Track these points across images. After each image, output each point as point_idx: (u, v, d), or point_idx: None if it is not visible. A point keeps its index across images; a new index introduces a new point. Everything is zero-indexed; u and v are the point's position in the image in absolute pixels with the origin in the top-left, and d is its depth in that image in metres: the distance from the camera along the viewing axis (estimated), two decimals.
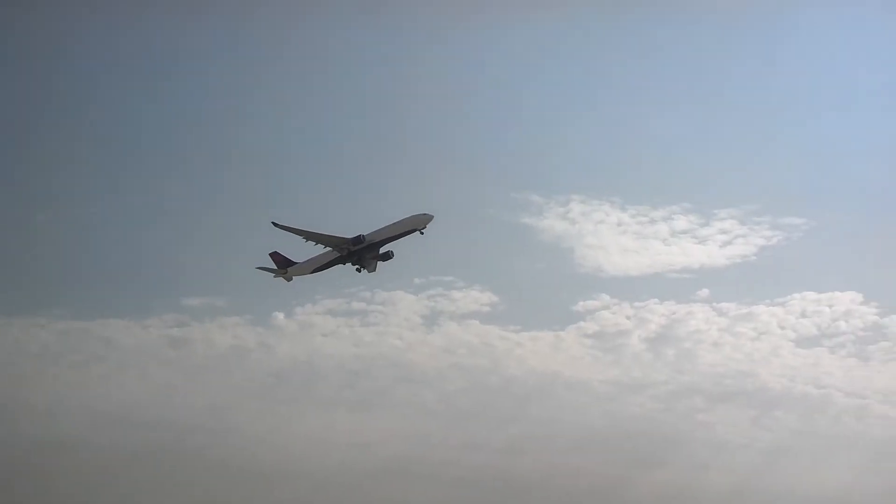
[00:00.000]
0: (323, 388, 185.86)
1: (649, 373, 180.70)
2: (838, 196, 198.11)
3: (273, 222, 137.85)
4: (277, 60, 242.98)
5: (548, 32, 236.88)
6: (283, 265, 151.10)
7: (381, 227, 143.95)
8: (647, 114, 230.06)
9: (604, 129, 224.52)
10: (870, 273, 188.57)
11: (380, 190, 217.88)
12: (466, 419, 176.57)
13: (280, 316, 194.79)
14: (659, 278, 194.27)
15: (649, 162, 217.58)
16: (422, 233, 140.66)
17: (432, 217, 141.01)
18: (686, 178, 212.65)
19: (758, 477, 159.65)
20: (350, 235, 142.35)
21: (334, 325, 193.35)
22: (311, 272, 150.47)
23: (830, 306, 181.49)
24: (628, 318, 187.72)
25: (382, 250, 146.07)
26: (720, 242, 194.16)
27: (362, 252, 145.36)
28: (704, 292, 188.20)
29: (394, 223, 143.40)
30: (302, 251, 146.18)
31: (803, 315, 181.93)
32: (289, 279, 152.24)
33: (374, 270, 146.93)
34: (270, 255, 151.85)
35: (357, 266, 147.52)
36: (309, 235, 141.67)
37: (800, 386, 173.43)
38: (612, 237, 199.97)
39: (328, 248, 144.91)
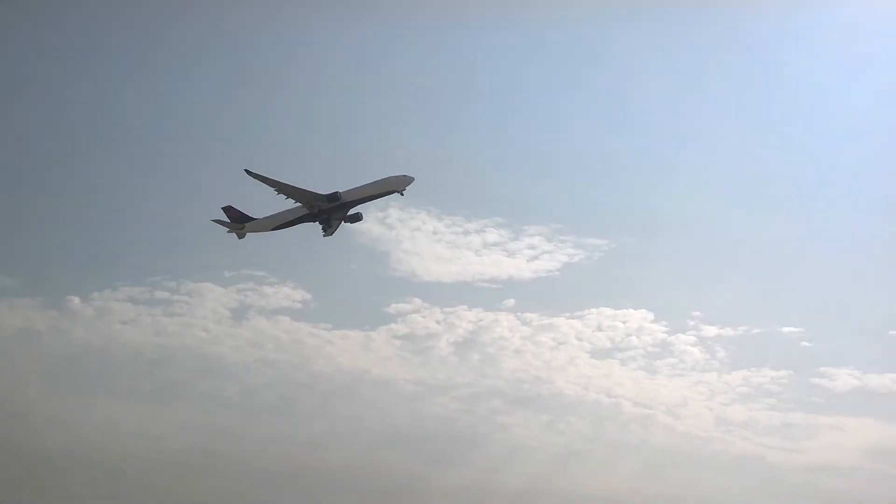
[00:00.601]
0: (118, 376, 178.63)
1: (454, 375, 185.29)
2: (636, 222, 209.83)
3: (246, 170, 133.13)
4: None
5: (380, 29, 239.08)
6: (238, 220, 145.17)
7: (358, 185, 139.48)
8: (467, 132, 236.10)
9: (425, 142, 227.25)
10: (661, 295, 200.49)
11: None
12: (270, 414, 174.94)
13: (76, 300, 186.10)
14: (469, 286, 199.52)
15: (467, 176, 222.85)
16: (402, 194, 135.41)
17: (413, 179, 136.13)
18: (500, 194, 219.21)
19: (549, 478, 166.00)
20: (324, 192, 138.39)
21: (134, 312, 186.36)
22: (272, 229, 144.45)
23: (624, 322, 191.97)
24: (438, 322, 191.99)
25: (353, 211, 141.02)
26: (528, 257, 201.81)
27: (332, 211, 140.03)
28: (510, 302, 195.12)
29: (372, 182, 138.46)
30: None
31: (599, 329, 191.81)
32: (241, 236, 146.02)
33: (333, 234, 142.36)
34: (224, 209, 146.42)
35: (323, 226, 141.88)
36: (282, 187, 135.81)
37: (592, 394, 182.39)
38: (428, 245, 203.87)
39: (296, 205, 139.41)
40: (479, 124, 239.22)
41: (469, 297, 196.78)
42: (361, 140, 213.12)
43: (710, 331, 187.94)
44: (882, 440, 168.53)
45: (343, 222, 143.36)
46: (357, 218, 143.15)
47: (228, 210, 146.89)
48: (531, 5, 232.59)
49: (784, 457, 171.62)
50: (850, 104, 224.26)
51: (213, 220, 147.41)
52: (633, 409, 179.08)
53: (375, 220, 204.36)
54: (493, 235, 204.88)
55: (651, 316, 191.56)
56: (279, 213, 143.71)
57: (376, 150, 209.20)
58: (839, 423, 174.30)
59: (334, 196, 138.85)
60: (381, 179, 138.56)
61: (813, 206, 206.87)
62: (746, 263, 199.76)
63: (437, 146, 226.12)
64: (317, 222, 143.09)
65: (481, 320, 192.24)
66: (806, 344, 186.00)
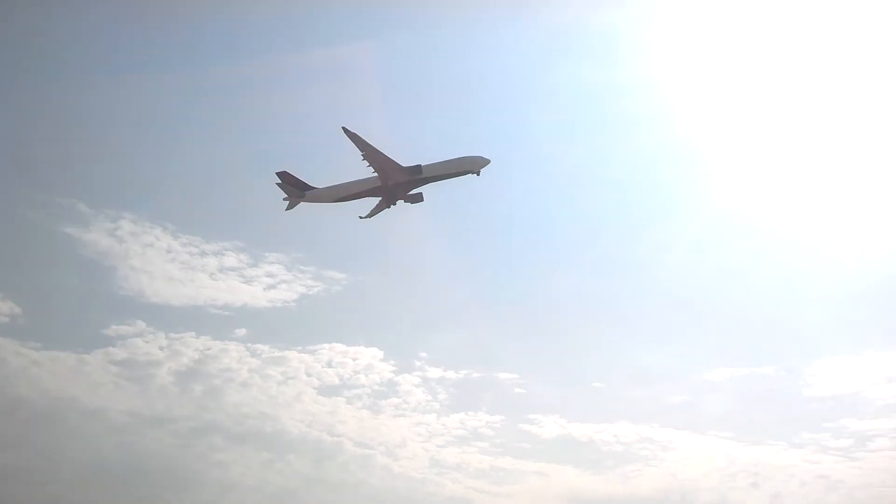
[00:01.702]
0: None
1: (173, 407, 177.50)
2: (377, 258, 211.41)
3: (344, 127, 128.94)
4: None
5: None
6: (295, 187, 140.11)
7: (437, 161, 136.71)
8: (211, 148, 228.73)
9: (164, 154, 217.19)
10: (393, 333, 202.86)
11: None
12: None
13: None
14: (200, 312, 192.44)
15: (208, 194, 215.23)
16: (478, 175, 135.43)
17: (489, 161, 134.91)
18: (241, 216, 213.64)
19: None
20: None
21: None
22: (334, 201, 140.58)
23: (355, 359, 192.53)
24: (161, 348, 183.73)
25: (417, 190, 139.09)
26: (265, 285, 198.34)
27: (403, 187, 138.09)
28: (242, 331, 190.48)
29: (451, 160, 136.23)
30: None
31: (329, 365, 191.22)
32: (293, 205, 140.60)
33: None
34: (279, 174, 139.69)
35: (389, 202, 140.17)
36: (373, 153, 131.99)
37: (316, 432, 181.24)
38: (160, 263, 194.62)
39: (366, 178, 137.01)
40: (226, 141, 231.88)
41: (198, 324, 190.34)
42: None
43: (435, 372, 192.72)
44: (581, 487, 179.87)
45: (404, 202, 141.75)
46: (419, 198, 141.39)
47: (283, 175, 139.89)
48: None
49: (490, 500, 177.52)
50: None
51: (277, 184, 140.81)
52: (355, 448, 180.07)
53: (104, 231, 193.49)
54: (231, 259, 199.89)
55: (381, 354, 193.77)
56: (346, 184, 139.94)
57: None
58: (544, 469, 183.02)
59: (417, 169, 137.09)
60: (460, 158, 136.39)
61: (531, 261, 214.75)
62: (475, 308, 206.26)
63: (177, 159, 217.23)
64: (380, 198, 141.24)
65: (209, 349, 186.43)
66: (519, 390, 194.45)
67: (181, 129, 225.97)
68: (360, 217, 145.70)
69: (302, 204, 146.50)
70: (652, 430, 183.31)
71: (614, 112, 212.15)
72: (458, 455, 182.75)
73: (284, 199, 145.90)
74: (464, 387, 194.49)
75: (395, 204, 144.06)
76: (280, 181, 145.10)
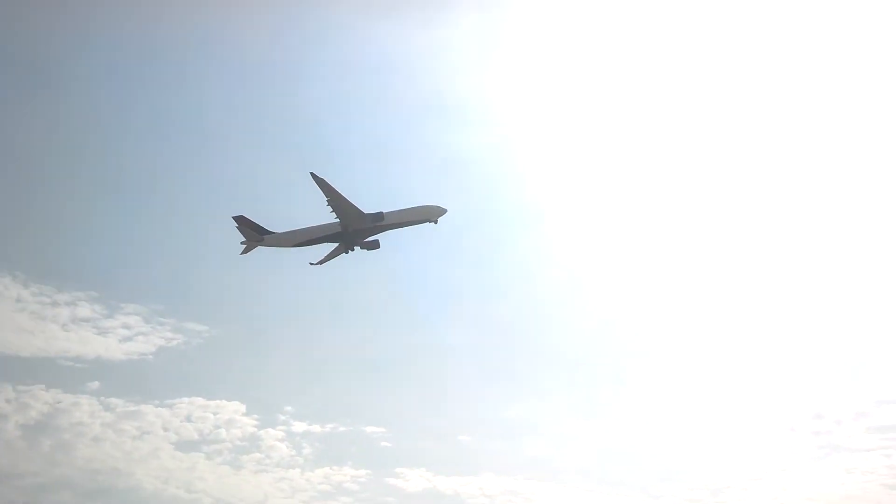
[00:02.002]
0: None
1: (20, 462, 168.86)
2: (240, 309, 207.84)
3: (312, 173, 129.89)
4: None
5: None
6: (256, 231, 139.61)
7: (396, 209, 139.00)
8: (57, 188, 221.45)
9: (15, 195, 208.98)
10: (256, 386, 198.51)
11: None
12: None
13: None
14: (51, 363, 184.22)
15: (62, 242, 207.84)
16: (435, 223, 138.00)
17: (446, 210, 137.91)
18: (98, 266, 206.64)
19: None
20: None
21: None
22: (294, 245, 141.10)
23: (215, 413, 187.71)
24: (9, 401, 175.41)
25: (372, 238, 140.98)
26: (121, 337, 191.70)
27: (362, 233, 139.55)
28: (95, 385, 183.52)
29: (411, 208, 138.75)
30: None
31: (188, 419, 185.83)
32: (249, 249, 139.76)
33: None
34: (236, 218, 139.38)
35: (347, 247, 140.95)
36: (338, 199, 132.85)
37: (172, 489, 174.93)
38: (8, 313, 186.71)
39: (327, 223, 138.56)
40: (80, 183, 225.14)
41: (49, 376, 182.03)
42: None
43: (300, 426, 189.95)
44: None
45: (361, 248, 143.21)
46: (375, 245, 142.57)
47: (240, 219, 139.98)
48: None
49: None
50: None
51: (237, 227, 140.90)
52: None
53: None
54: (85, 310, 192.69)
55: (244, 408, 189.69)
56: (306, 229, 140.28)
57: None
58: None
59: (379, 216, 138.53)
60: (420, 206, 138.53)
61: (398, 315, 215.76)
62: (342, 361, 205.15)
63: (27, 205, 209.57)
64: (338, 244, 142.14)
65: (60, 402, 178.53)
66: (386, 444, 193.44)
67: (31, 172, 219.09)
68: (311, 263, 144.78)
69: (259, 249, 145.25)
70: (516, 483, 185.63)
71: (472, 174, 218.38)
72: None
73: (242, 244, 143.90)
74: (329, 441, 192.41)
75: (352, 249, 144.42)
76: (238, 225, 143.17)
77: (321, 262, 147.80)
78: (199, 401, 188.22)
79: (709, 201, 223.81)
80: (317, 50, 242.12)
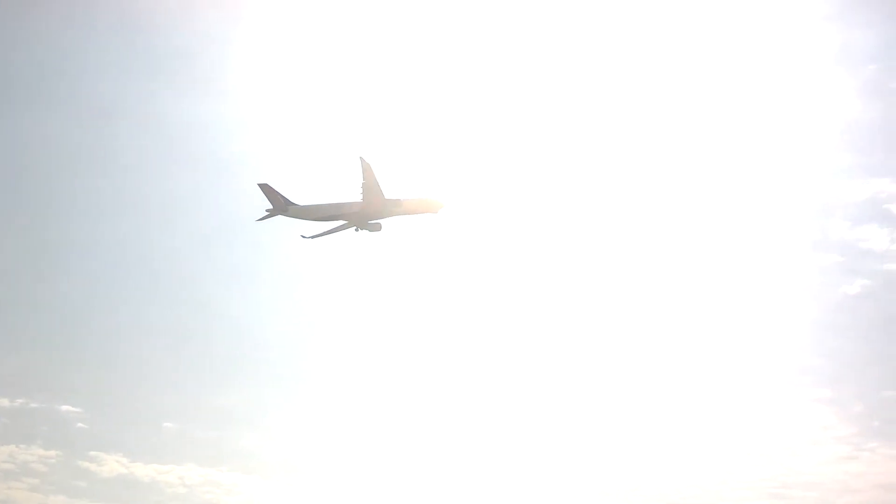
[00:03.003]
0: None
1: None
2: None
3: (361, 157, 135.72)
4: None
5: None
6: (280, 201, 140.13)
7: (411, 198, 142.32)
8: None
9: None
10: None
11: None
12: None
13: None
14: None
15: None
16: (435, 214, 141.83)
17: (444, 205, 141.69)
18: None
19: None
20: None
21: None
22: (314, 219, 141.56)
23: None
24: None
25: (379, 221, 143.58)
26: None
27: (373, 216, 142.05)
28: None
29: (420, 199, 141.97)
30: None
31: None
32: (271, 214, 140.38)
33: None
34: (262, 185, 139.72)
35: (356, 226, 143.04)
36: (374, 184, 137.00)
37: None
38: None
39: (349, 201, 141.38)
40: None
41: None
42: None
43: None
44: None
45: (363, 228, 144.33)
46: (377, 227, 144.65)
47: (266, 188, 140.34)
48: None
49: None
50: None
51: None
52: None
53: None
54: None
55: None
56: (331, 205, 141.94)
57: None
58: None
59: (398, 203, 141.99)
60: (423, 199, 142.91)
61: (109, 288, 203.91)
62: (40, 331, 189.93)
63: None
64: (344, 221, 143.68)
65: None
66: (82, 425, 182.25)
67: None
68: (303, 236, 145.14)
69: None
70: (220, 474, 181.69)
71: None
72: (4, 491, 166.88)
73: (267, 211, 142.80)
74: (18, 417, 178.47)
75: (361, 228, 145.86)
76: (264, 193, 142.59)
77: (315, 237, 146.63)
78: None
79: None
80: None
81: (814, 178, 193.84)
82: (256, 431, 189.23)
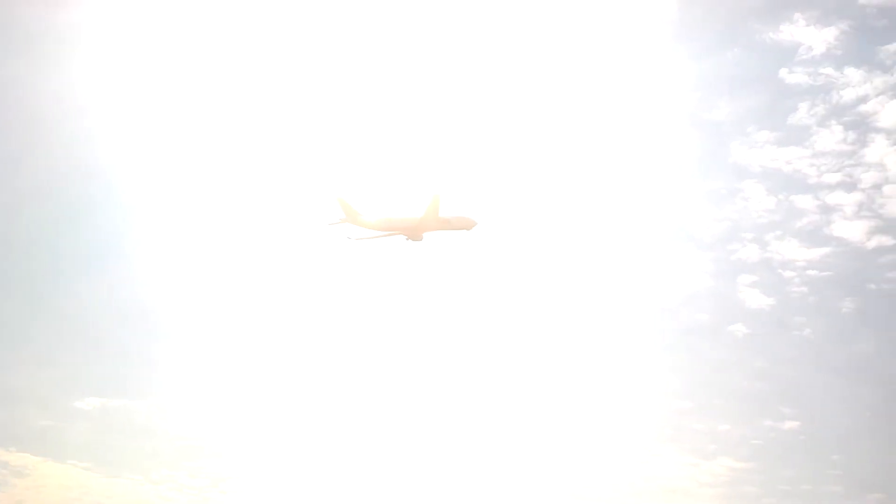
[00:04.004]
0: None
1: None
2: None
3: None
4: None
5: None
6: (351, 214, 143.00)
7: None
8: None
9: None
10: None
11: None
12: None
13: None
14: None
15: None
16: (469, 231, 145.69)
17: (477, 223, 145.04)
18: None
19: None
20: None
21: None
22: (375, 230, 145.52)
23: None
24: None
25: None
26: None
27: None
28: None
29: (459, 217, 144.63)
30: None
31: None
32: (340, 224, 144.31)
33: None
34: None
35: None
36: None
37: None
38: None
39: (409, 217, 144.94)
40: None
41: None
42: None
43: None
44: None
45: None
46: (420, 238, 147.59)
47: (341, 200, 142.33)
48: None
49: None
50: None
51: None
52: None
53: None
54: None
55: None
56: (396, 219, 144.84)
57: None
58: None
59: (451, 221, 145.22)
60: (460, 217, 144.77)
61: None
62: None
63: None
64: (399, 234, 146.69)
65: None
66: None
67: None
68: (349, 238, 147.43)
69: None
70: (9, 455, 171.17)
71: None
72: None
73: (341, 219, 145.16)
74: None
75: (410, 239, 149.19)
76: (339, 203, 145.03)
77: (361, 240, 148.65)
78: None
79: None
80: None
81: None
82: (51, 413, 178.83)
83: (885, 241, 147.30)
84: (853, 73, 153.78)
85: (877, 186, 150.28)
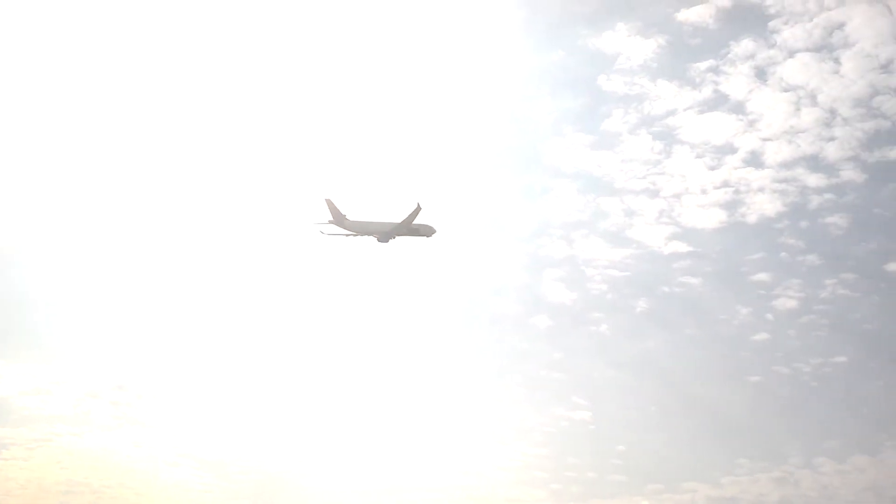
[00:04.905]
0: None
1: None
2: None
3: (418, 203, 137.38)
4: None
5: None
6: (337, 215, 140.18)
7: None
8: None
9: None
10: None
11: None
12: None
13: None
14: None
15: None
16: (429, 238, 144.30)
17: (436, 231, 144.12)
18: None
19: None
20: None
21: None
22: (354, 233, 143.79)
23: None
24: None
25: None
26: None
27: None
28: None
29: (426, 225, 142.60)
30: None
31: None
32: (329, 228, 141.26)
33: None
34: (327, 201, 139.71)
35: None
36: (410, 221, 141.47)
37: None
38: None
39: (385, 221, 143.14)
40: None
41: None
42: None
43: None
44: None
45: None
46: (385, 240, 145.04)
47: (329, 202, 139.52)
48: None
49: None
50: None
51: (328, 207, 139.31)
52: None
53: None
54: None
55: None
56: (374, 223, 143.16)
57: None
58: None
59: (428, 228, 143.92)
60: (422, 224, 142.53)
61: None
62: None
63: None
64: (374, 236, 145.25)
65: None
66: None
67: None
68: (322, 232, 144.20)
69: None
70: None
71: None
72: None
73: (329, 222, 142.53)
74: None
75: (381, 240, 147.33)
76: (328, 206, 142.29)
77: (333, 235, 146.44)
78: None
79: None
80: None
81: None
82: None
83: (681, 247, 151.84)
84: (665, 86, 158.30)
85: (677, 196, 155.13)
